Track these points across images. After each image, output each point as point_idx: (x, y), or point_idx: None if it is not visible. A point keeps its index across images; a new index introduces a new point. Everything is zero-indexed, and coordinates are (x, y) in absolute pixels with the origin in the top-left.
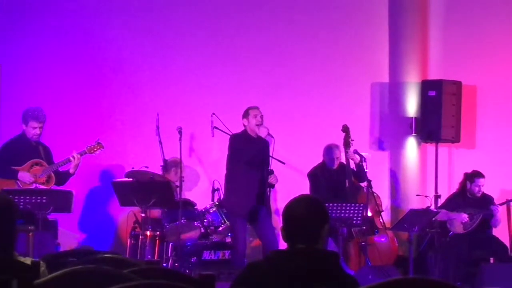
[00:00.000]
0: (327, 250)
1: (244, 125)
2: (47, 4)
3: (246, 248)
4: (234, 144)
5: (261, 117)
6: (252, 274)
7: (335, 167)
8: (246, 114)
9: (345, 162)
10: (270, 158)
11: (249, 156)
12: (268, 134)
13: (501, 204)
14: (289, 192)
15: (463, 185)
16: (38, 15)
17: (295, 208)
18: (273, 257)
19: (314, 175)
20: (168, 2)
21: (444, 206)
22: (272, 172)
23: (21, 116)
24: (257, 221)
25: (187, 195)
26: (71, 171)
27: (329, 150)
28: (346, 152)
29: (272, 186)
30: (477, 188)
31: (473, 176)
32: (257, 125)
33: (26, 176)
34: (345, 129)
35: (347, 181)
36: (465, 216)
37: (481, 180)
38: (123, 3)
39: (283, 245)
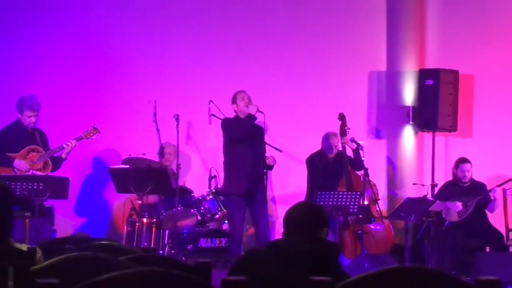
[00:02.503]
0: (329, 240)
1: (235, 111)
2: None
3: (242, 236)
4: (226, 124)
5: (249, 98)
6: (251, 260)
7: (332, 155)
8: (234, 100)
9: (342, 150)
10: (266, 145)
11: (243, 131)
12: (258, 110)
13: (499, 185)
14: (285, 180)
15: (454, 173)
16: (34, 3)
17: (293, 213)
18: (273, 245)
19: (312, 162)
20: None
21: (438, 195)
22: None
23: (16, 104)
24: (253, 204)
25: (184, 182)
26: (64, 156)
27: (327, 138)
28: (342, 140)
29: (271, 167)
30: (462, 174)
31: (458, 162)
32: (246, 106)
33: (22, 164)
34: (341, 118)
35: (344, 169)
36: (459, 205)
37: (466, 166)
38: None
39: (275, 232)
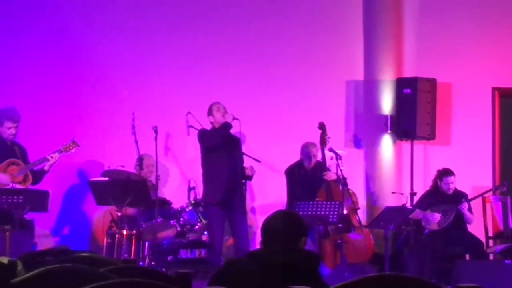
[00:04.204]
0: (308, 250)
1: (211, 122)
2: (22, 3)
3: (222, 246)
4: (203, 134)
5: (224, 107)
6: (231, 271)
7: (312, 165)
8: (210, 111)
9: (321, 160)
10: (245, 155)
11: (219, 139)
12: (234, 118)
13: (471, 200)
14: (264, 191)
15: (435, 182)
16: (12, 14)
17: (272, 222)
18: (252, 255)
19: (291, 172)
20: (144, 1)
21: (418, 204)
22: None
23: None
24: (232, 214)
25: (163, 193)
26: (46, 168)
27: (305, 148)
28: (322, 150)
29: (250, 178)
30: (446, 186)
31: (442, 174)
32: (223, 116)
33: (2, 178)
34: (322, 127)
35: (323, 179)
36: (437, 216)
37: (450, 178)
38: (98, 2)
39: (255, 243)
